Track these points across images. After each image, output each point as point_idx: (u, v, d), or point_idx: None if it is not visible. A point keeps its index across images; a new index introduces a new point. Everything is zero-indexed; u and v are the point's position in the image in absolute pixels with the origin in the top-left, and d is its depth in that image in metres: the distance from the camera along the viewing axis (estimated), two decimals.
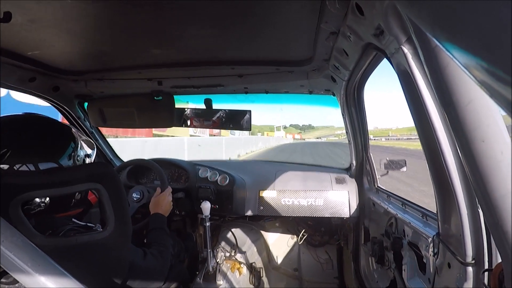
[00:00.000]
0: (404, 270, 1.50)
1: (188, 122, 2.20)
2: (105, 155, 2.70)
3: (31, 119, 1.05)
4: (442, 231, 1.10)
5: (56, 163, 0.99)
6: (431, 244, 1.19)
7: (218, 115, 2.13)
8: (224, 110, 2.11)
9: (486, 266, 0.90)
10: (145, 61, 1.69)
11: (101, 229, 1.02)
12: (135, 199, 1.91)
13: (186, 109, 2.20)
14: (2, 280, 0.85)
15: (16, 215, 0.85)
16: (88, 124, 2.44)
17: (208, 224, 2.04)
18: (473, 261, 0.93)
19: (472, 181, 0.72)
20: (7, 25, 0.92)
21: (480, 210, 0.89)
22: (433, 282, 1.18)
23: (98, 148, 2.50)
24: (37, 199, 0.93)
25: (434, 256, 1.15)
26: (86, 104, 2.30)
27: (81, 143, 1.10)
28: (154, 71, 1.83)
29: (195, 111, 2.20)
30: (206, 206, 2.03)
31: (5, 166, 0.92)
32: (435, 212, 1.16)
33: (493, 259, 0.90)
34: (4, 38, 1.29)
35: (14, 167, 0.92)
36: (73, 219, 1.07)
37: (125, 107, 2.14)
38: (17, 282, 0.86)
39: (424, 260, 1.31)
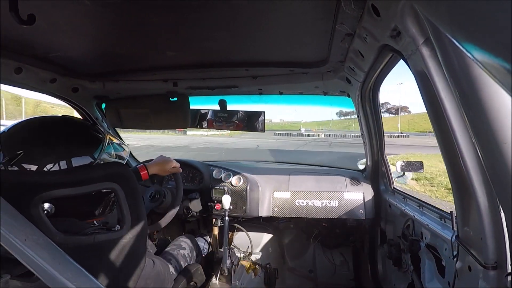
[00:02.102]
0: (423, 273, 1.48)
1: (204, 124, 2.22)
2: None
3: (67, 121, 1.11)
4: (462, 234, 1.08)
5: (90, 157, 1.04)
6: (450, 247, 1.17)
7: (234, 116, 2.15)
8: (239, 111, 2.13)
9: (509, 270, 0.88)
10: (161, 63, 1.72)
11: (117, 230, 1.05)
12: (150, 199, 1.94)
13: (201, 110, 2.22)
14: (24, 277, 0.88)
15: (37, 214, 0.88)
16: (106, 125, 2.50)
17: (227, 218, 2.05)
18: (495, 265, 0.91)
19: (493, 183, 0.71)
20: (31, 28, 0.95)
21: (502, 212, 0.87)
22: (453, 286, 1.16)
23: None
24: (46, 205, 0.96)
25: (453, 259, 1.13)
26: (103, 105, 2.36)
27: (112, 152, 1.15)
28: (169, 73, 1.86)
29: (211, 112, 2.22)
30: (227, 199, 2.05)
31: (34, 167, 0.95)
32: (454, 214, 1.14)
33: None
34: (28, 41, 1.34)
35: (46, 168, 0.96)
36: (94, 221, 1.11)
37: (141, 108, 2.19)
38: (38, 279, 0.89)
39: (443, 263, 1.29)
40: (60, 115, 1.14)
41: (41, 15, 1.01)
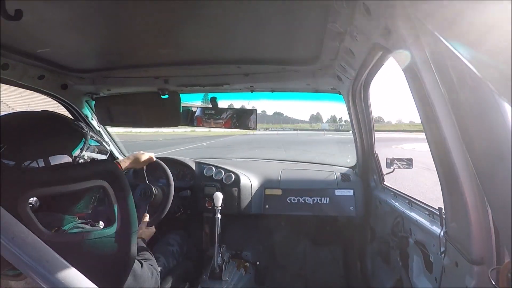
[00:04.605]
0: (411, 269, 1.50)
1: (195, 122, 2.20)
2: (112, 153, 2.72)
3: (45, 116, 1.07)
4: (450, 230, 1.10)
5: (69, 155, 1.01)
6: (438, 243, 1.19)
7: (225, 114, 2.14)
8: (231, 109, 2.12)
9: (495, 265, 0.90)
10: (152, 60, 1.70)
11: (103, 226, 1.04)
12: (141, 197, 1.92)
13: (193, 108, 2.21)
14: (12, 276, 0.87)
15: (24, 212, 0.87)
16: (95, 122, 2.47)
17: (219, 216, 2.05)
18: (481, 260, 0.93)
19: (479, 179, 0.72)
20: (18, 23, 0.93)
21: (489, 208, 0.89)
22: (440, 281, 1.17)
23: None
24: (31, 199, 0.93)
25: (441, 254, 1.15)
26: (93, 103, 2.32)
27: (93, 146, 1.12)
28: (160, 69, 1.84)
29: (202, 110, 2.20)
30: (219, 196, 2.04)
31: (11, 162, 0.93)
32: (443, 211, 1.16)
33: (502, 258, 0.90)
34: (15, 36, 1.31)
35: (23, 164, 0.93)
36: (77, 217, 1.09)
37: (132, 106, 2.15)
38: (26, 277, 0.87)
39: (431, 259, 1.31)
40: (40, 110, 1.10)
41: (29, 11, 0.99)
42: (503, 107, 0.61)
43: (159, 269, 1.39)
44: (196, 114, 2.20)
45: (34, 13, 1.07)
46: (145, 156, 1.89)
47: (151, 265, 1.34)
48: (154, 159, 1.94)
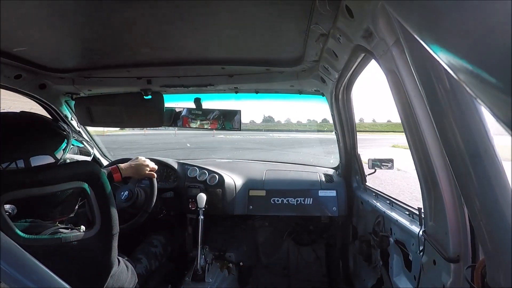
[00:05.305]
0: (391, 268, 1.53)
1: (181, 122, 2.18)
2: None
3: (24, 117, 1.03)
4: (428, 229, 1.13)
5: (51, 156, 0.97)
6: (417, 242, 1.22)
7: (209, 115, 2.12)
8: (215, 110, 2.11)
9: (470, 263, 0.93)
10: (134, 60, 1.67)
11: (85, 230, 1.01)
12: (123, 198, 1.89)
13: (176, 109, 2.18)
14: None
15: None
16: (75, 123, 2.40)
17: (202, 217, 2.03)
18: (457, 258, 0.95)
19: (457, 179, 0.74)
20: None
21: (465, 208, 0.92)
22: (418, 279, 1.20)
23: None
24: (7, 206, 0.90)
25: (419, 253, 1.18)
26: (73, 103, 2.26)
27: (76, 147, 1.09)
28: (143, 70, 1.81)
29: (186, 111, 2.18)
30: (202, 198, 2.03)
31: None
32: (422, 210, 1.19)
33: (477, 256, 0.92)
34: None
35: (1, 166, 0.90)
36: (57, 223, 1.06)
37: (113, 106, 2.11)
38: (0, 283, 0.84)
39: (410, 258, 1.34)
40: (19, 111, 1.06)
41: (3, 7, 0.95)
42: (479, 109, 0.63)
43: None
44: (182, 114, 2.18)
45: (9, 10, 1.02)
46: (147, 169, 1.82)
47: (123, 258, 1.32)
48: (155, 176, 1.88)
